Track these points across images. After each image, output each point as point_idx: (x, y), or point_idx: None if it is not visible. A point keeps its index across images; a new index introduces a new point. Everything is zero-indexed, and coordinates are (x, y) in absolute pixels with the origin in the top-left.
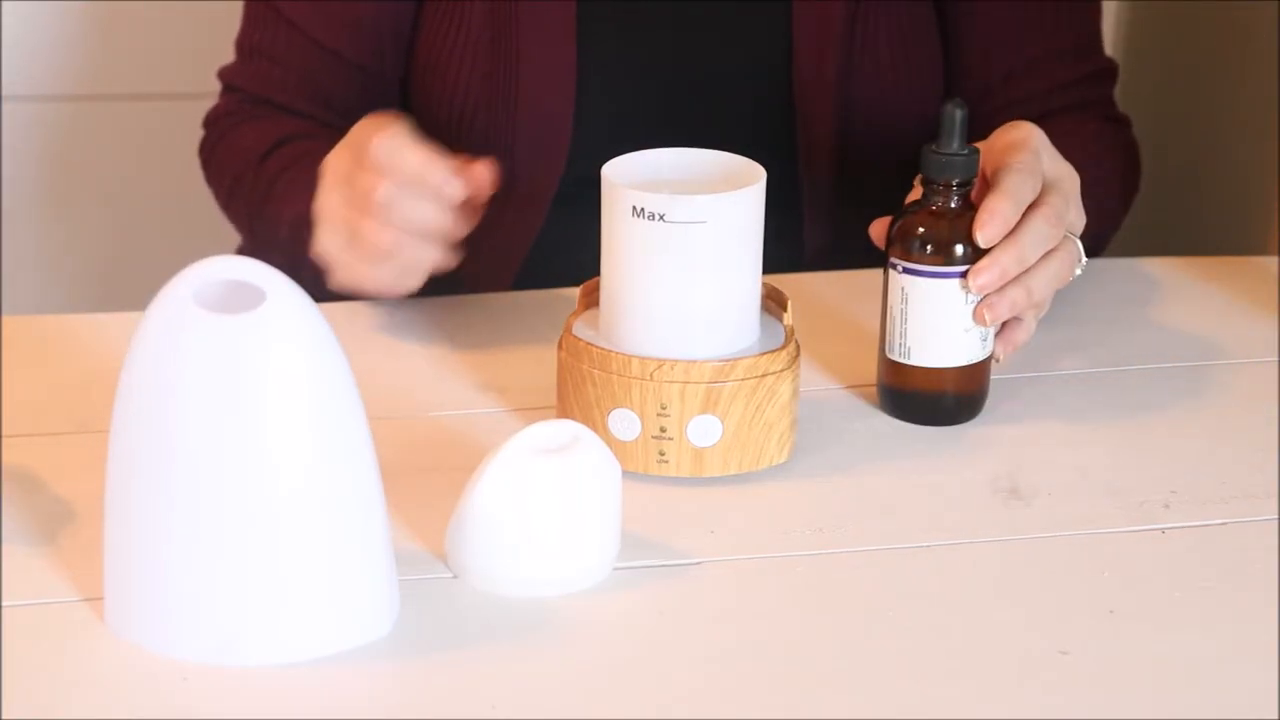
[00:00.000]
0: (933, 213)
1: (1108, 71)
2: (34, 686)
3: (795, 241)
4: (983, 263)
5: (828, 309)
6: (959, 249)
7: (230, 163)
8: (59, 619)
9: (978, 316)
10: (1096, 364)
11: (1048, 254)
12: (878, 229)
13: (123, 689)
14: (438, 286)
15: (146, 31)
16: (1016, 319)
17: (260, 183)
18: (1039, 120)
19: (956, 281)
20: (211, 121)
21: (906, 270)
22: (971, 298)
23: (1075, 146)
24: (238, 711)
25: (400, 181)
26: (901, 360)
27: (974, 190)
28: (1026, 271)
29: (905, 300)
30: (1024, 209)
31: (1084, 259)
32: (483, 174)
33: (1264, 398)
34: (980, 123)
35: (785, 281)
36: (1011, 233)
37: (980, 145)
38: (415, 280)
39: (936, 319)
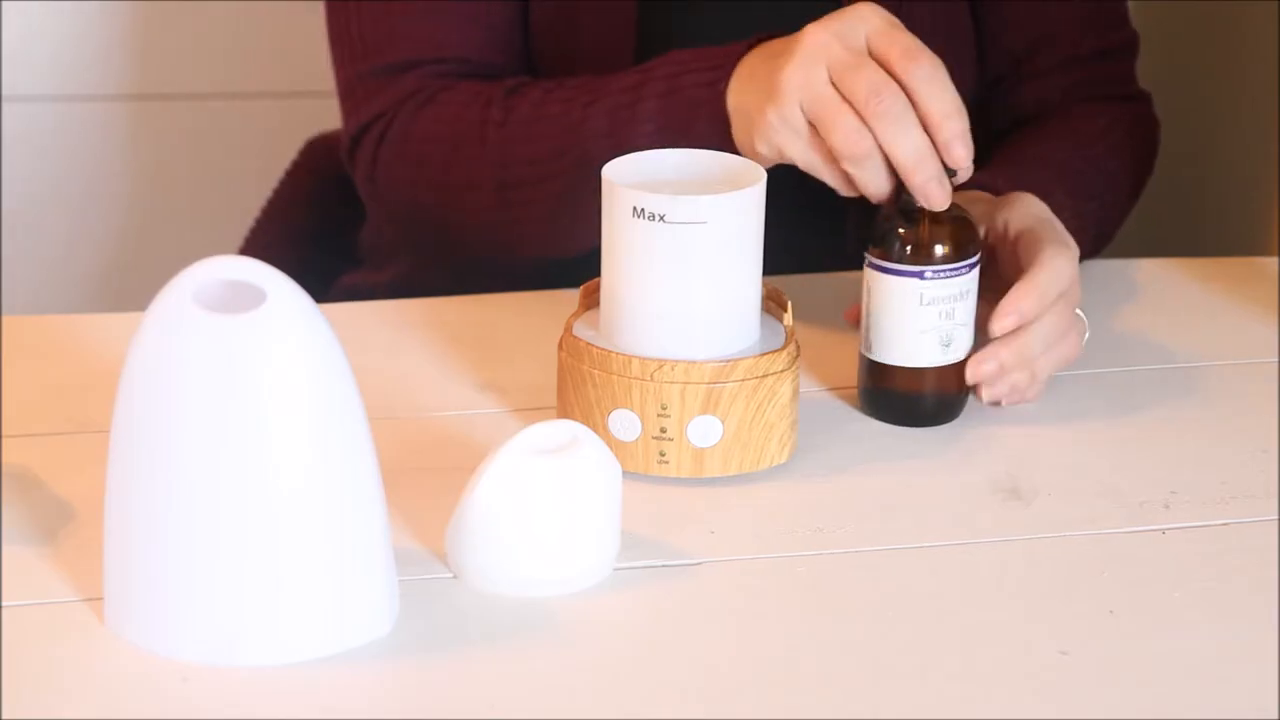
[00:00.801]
0: (904, 211)
1: (1128, 46)
2: (34, 686)
3: (838, 235)
4: (985, 352)
5: (828, 310)
6: (927, 249)
7: (466, 116)
8: (59, 619)
9: (976, 389)
10: (1096, 364)
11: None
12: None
13: (123, 689)
14: (438, 286)
15: (146, 32)
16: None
17: (562, 98)
18: (1057, 106)
19: (913, 281)
20: (374, 120)
21: (872, 265)
22: (927, 300)
23: (1081, 146)
24: (238, 711)
25: (906, 97)
26: (867, 354)
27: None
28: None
29: (870, 295)
30: (1047, 304)
31: (1087, 331)
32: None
33: (1264, 398)
34: (1004, 98)
35: (788, 282)
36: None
37: (985, 195)
38: (848, 189)
39: (894, 316)
